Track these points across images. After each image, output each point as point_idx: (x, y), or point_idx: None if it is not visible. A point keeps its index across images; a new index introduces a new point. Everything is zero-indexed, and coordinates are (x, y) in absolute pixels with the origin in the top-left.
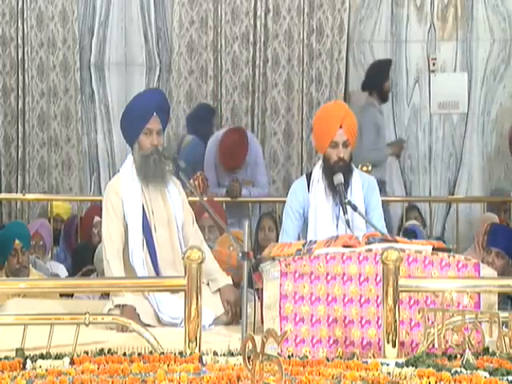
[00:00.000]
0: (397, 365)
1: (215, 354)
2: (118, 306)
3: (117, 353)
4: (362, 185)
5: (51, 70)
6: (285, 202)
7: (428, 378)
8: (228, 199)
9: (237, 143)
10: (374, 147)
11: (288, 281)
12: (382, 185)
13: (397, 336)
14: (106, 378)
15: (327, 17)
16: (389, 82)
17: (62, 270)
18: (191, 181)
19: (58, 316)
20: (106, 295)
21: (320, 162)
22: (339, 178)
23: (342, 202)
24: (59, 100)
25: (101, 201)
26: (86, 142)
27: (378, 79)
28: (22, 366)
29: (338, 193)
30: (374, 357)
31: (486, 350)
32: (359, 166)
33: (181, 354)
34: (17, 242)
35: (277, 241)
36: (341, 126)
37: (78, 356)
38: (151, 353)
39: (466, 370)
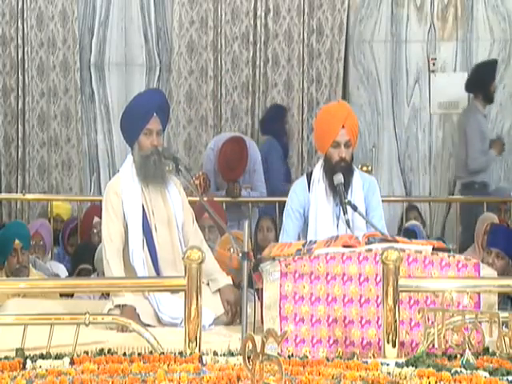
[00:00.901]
0: (397, 365)
1: (215, 354)
2: (118, 306)
3: (117, 353)
4: (362, 185)
5: (51, 69)
6: (285, 202)
7: (428, 377)
8: (228, 199)
9: (236, 155)
10: (480, 155)
11: (288, 281)
12: (485, 187)
13: (397, 336)
14: (106, 378)
15: (327, 17)
16: (495, 82)
17: (62, 270)
18: (192, 181)
19: (58, 316)
20: (106, 295)
21: (321, 162)
22: (339, 177)
23: (342, 202)
24: (59, 100)
25: (101, 201)
26: (86, 142)
27: (485, 80)
28: (22, 365)
29: (338, 193)
30: (374, 357)
31: (486, 350)
32: (359, 166)
33: (181, 354)
34: (17, 241)
35: (276, 241)
36: (343, 126)
37: (78, 356)
38: (151, 353)
39: (466, 370)
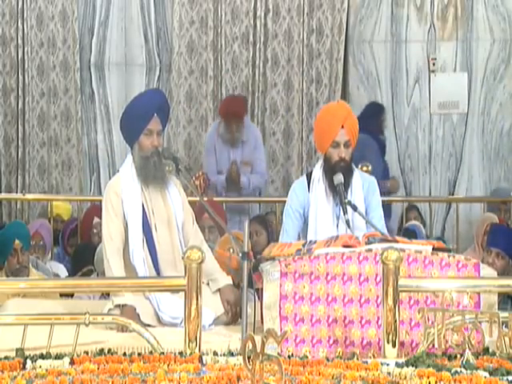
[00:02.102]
0: (397, 365)
1: (215, 354)
2: (118, 305)
3: (117, 353)
4: (362, 185)
5: (51, 69)
6: (284, 202)
7: (428, 377)
8: (228, 199)
9: (236, 97)
10: None
11: (288, 281)
12: None
13: (397, 336)
14: (106, 378)
15: (327, 17)
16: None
17: (61, 270)
18: (192, 181)
19: (58, 316)
20: (106, 295)
21: (320, 162)
22: (339, 177)
23: (342, 201)
24: (59, 100)
25: (101, 201)
26: (86, 142)
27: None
28: (22, 365)
29: (338, 193)
30: (374, 357)
31: (486, 350)
32: (359, 166)
33: (181, 354)
34: (17, 242)
35: (268, 242)
36: (343, 126)
37: (78, 356)
38: (151, 353)
39: (466, 370)
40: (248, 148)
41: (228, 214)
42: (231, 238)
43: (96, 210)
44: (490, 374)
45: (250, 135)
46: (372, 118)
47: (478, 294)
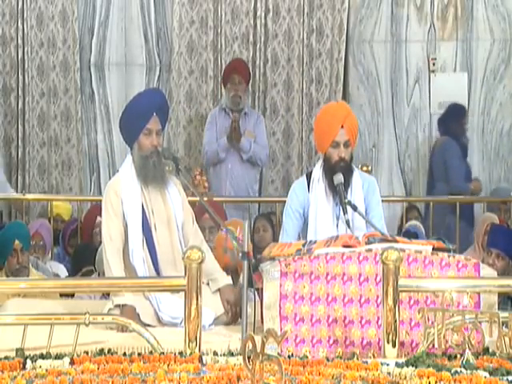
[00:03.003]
0: (397, 365)
1: (215, 354)
2: (118, 305)
3: (117, 353)
4: (362, 185)
5: (51, 69)
6: (284, 202)
7: (428, 377)
8: (228, 199)
9: (242, 63)
10: None
11: (288, 281)
12: None
13: (397, 336)
14: (106, 378)
15: (327, 17)
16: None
17: (61, 270)
18: (192, 181)
19: (58, 316)
20: (106, 295)
21: (320, 162)
22: (339, 177)
23: (342, 201)
24: (59, 100)
25: (101, 201)
26: (86, 142)
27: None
28: (22, 365)
29: (338, 193)
30: (373, 357)
31: (485, 350)
32: (359, 166)
33: (181, 353)
34: (17, 242)
35: (273, 240)
36: (342, 126)
37: (78, 356)
38: (151, 353)
39: (466, 370)
40: (249, 120)
41: (230, 210)
42: (230, 237)
43: (98, 209)
44: (490, 373)
45: (253, 111)
46: (454, 120)
47: (478, 294)
